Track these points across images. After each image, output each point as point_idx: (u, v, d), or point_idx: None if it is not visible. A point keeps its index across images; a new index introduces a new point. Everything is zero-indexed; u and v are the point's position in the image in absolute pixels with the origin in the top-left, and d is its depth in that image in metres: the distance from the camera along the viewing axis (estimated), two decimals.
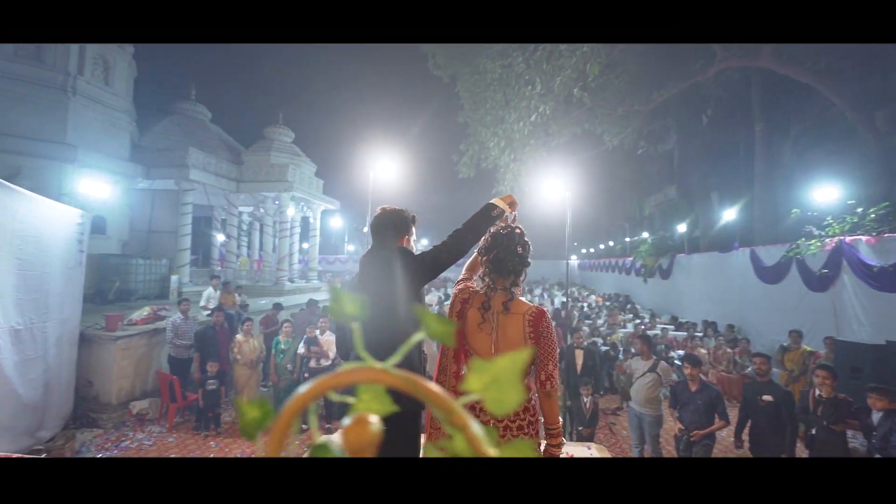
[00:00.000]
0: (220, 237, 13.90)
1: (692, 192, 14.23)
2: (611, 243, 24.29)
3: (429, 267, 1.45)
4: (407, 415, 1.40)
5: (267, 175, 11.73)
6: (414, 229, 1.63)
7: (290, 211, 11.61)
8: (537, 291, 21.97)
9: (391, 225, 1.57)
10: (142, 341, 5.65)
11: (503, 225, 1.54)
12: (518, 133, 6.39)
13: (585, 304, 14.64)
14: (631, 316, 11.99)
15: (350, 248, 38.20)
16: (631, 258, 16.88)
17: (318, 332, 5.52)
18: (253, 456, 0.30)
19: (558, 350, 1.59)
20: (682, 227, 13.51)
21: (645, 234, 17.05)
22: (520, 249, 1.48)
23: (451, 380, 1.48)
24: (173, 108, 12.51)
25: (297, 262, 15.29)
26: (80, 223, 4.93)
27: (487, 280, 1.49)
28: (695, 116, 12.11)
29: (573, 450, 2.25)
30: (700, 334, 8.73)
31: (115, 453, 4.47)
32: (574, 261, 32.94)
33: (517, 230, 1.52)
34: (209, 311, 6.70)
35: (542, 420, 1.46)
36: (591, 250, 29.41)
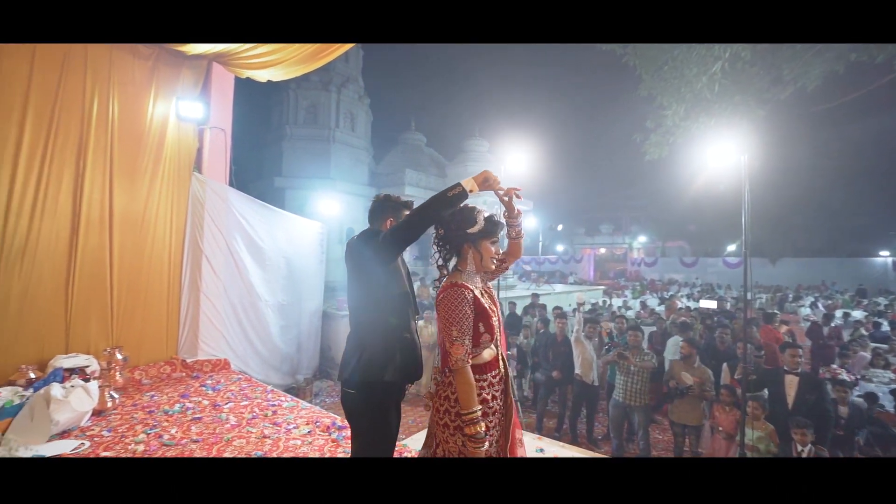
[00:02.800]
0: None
1: None
2: None
3: (381, 247, 1.50)
4: (383, 385, 1.48)
5: None
6: (406, 212, 1.68)
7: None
8: (807, 300, 16.14)
9: (377, 209, 1.71)
10: None
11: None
12: (707, 90, 4.97)
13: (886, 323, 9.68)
14: None
15: (560, 248, 37.80)
16: None
17: None
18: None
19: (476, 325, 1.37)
20: None
21: None
22: (441, 231, 1.43)
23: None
24: (399, 139, 15.66)
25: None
26: (321, 232, 6.91)
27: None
28: None
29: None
30: None
31: (336, 400, 6.08)
32: (887, 258, 22.34)
33: (458, 209, 1.44)
34: None
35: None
36: None
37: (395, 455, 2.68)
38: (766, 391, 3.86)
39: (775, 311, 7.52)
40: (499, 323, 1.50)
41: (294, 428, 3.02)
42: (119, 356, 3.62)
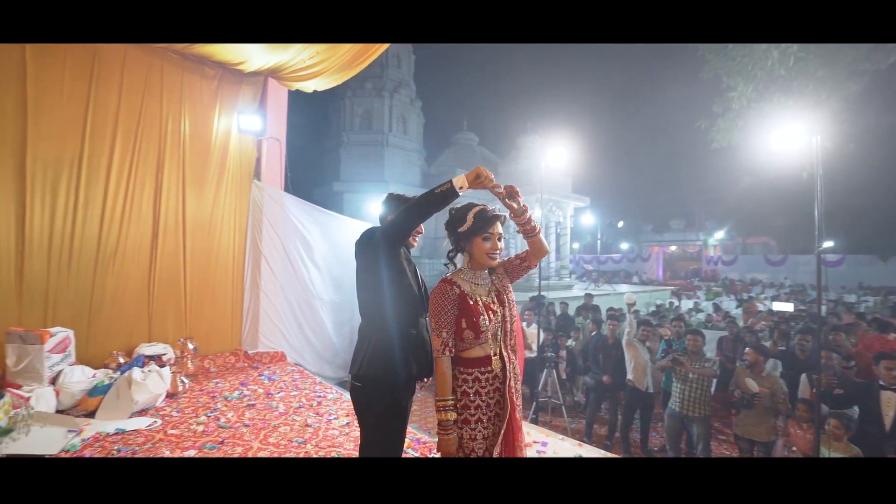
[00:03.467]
0: None
1: None
2: None
3: (376, 243, 1.52)
4: (387, 380, 1.52)
5: (515, 181, 12.95)
6: None
7: (536, 212, 12.30)
8: None
9: (383, 206, 1.76)
10: None
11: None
12: (779, 66, 4.36)
13: None
14: None
15: (625, 246, 35.64)
16: None
17: (524, 324, 5.78)
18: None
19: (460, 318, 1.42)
20: None
21: None
22: (447, 233, 1.51)
23: None
24: (451, 140, 15.80)
25: (559, 260, 15.87)
26: None
27: None
28: None
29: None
30: None
31: None
32: None
33: (456, 208, 1.49)
34: None
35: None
36: None
37: (420, 453, 2.71)
38: (856, 409, 3.35)
39: (878, 316, 6.49)
40: (501, 323, 1.46)
41: (334, 419, 3.18)
42: (191, 346, 4.06)
